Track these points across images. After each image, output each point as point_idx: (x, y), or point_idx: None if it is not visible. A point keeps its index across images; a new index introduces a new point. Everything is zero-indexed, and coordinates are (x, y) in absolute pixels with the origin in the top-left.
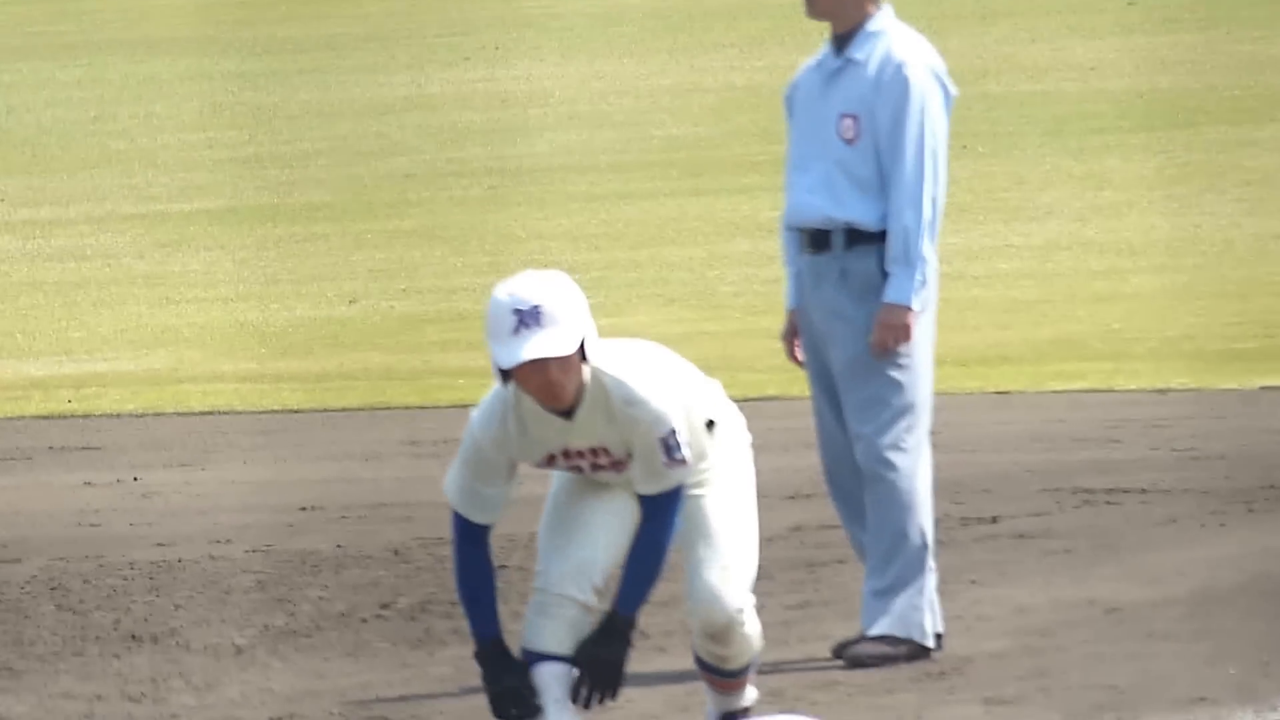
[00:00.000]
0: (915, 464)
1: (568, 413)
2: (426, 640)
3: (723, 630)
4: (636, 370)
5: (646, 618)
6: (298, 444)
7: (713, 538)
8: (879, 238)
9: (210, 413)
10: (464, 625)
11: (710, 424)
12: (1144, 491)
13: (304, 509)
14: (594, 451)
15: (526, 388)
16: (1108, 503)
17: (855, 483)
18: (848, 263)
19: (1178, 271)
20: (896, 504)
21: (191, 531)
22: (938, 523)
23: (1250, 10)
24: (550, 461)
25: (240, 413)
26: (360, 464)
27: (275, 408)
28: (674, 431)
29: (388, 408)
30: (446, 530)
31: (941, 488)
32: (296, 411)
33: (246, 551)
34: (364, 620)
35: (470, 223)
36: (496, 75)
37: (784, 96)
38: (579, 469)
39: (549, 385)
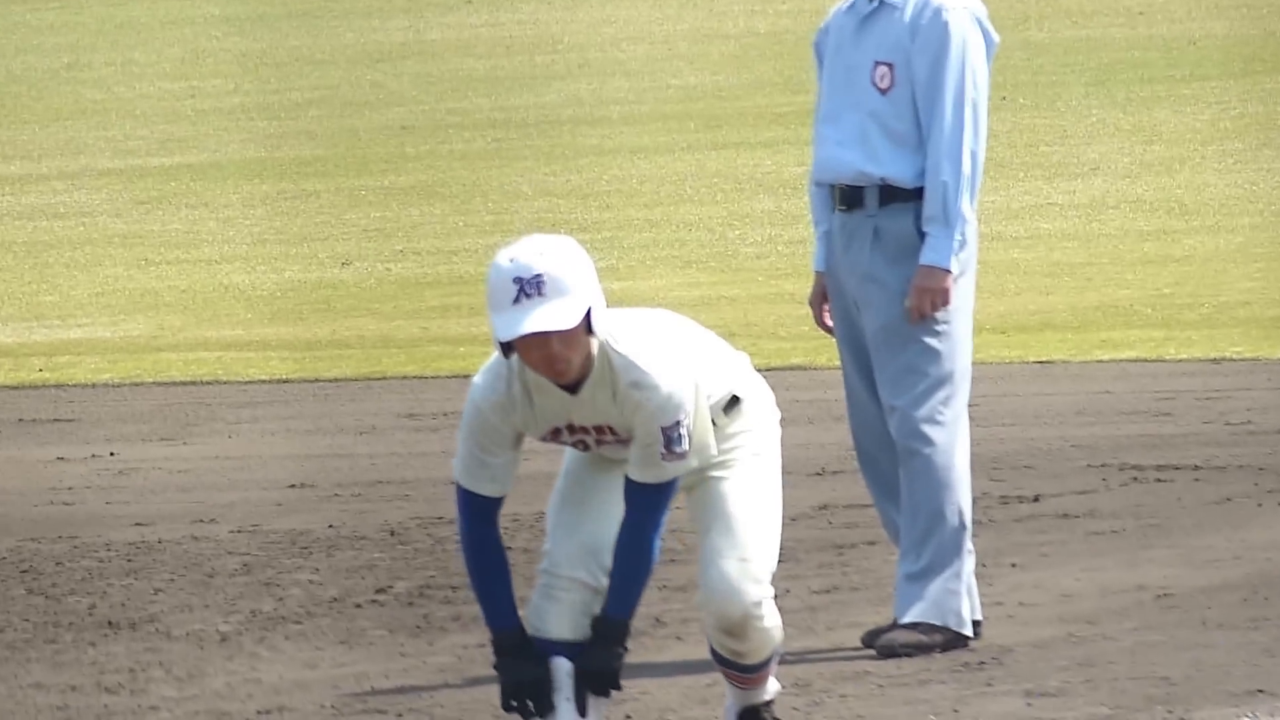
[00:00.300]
0: (953, 438)
1: (574, 387)
2: (425, 627)
3: (738, 625)
4: (648, 348)
5: (663, 604)
6: (287, 417)
7: (731, 525)
8: (915, 195)
9: (193, 383)
10: (465, 611)
11: (735, 400)
12: (1197, 468)
13: (293, 486)
14: (599, 429)
15: (528, 361)
16: (1158, 480)
17: (888, 458)
18: (882, 222)
19: (1233, 232)
20: (932, 481)
21: (172, 511)
22: (976, 502)
23: None
24: (555, 435)
25: (225, 383)
26: (354, 438)
27: (263, 378)
28: (679, 423)
29: (384, 378)
30: (446, 509)
31: (980, 464)
32: (286, 382)
33: (232, 532)
34: (358, 606)
35: (473, 179)
36: (501, 20)
37: (813, 43)
38: (584, 444)
39: (551, 359)
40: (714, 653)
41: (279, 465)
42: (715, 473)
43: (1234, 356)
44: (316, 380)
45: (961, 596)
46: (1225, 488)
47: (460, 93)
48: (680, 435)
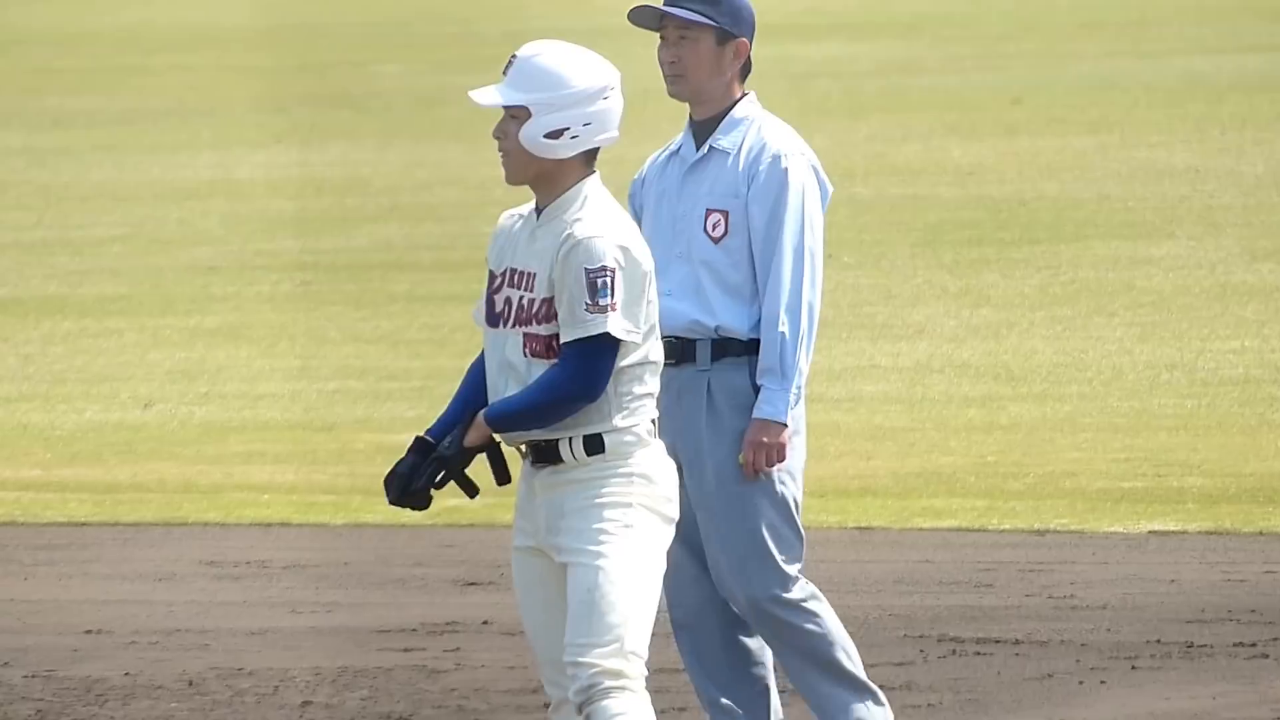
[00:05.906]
0: (814, 597)
1: (539, 212)
2: None
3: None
4: (604, 214)
5: None
6: (85, 560)
7: (586, 611)
8: (749, 348)
9: None
10: None
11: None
12: (1017, 643)
13: (90, 632)
14: (526, 281)
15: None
16: (977, 654)
17: (704, 625)
18: (715, 377)
19: (1060, 400)
20: (811, 644)
21: None
22: (778, 671)
23: (1147, 113)
24: (494, 285)
25: (21, 525)
26: (153, 585)
27: (60, 520)
28: (604, 268)
29: (185, 524)
30: (246, 660)
31: None
32: (84, 525)
33: (25, 677)
34: None
35: (279, 322)
36: (310, 159)
37: (629, 194)
38: (505, 314)
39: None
40: None
41: (75, 610)
42: (580, 556)
43: (1058, 528)
44: (116, 524)
45: None
46: (1046, 664)
47: (268, 233)
48: (605, 285)
